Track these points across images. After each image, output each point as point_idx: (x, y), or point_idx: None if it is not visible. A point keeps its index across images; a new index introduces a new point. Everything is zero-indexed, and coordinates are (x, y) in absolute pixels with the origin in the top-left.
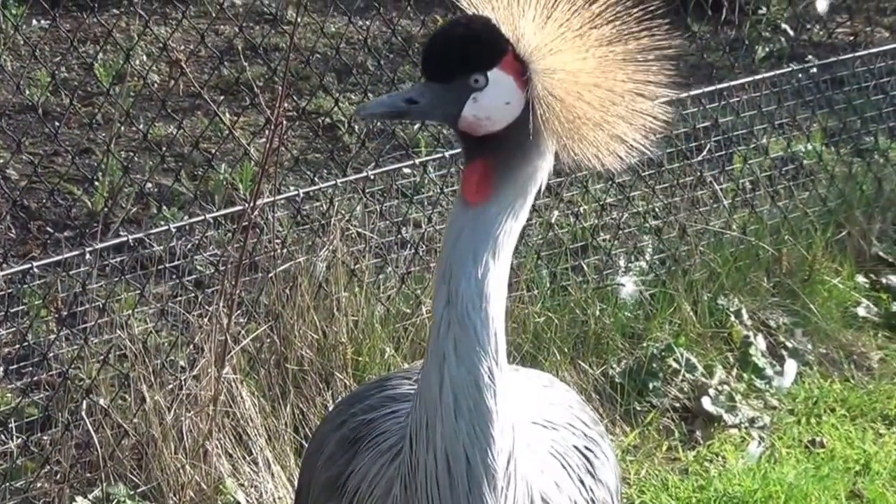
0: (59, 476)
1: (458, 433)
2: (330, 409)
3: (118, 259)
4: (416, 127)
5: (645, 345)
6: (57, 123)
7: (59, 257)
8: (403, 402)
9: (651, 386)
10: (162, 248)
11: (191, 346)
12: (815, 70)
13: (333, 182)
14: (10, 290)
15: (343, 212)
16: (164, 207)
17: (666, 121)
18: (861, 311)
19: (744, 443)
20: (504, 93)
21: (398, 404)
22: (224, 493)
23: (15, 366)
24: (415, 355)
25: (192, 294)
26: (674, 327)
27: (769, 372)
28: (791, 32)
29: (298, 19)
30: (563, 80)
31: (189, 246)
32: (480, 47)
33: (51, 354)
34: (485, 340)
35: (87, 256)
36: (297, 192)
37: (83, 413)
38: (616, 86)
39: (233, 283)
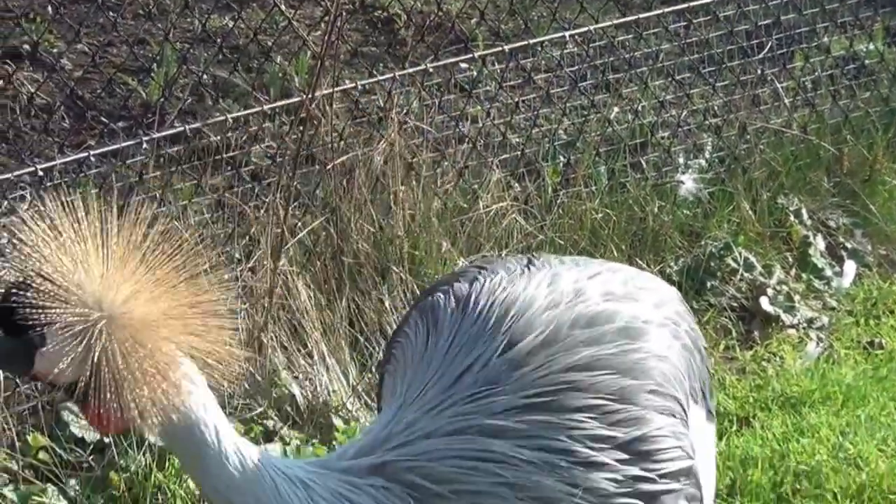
0: None
1: None
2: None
3: (174, 149)
4: (474, 21)
5: (703, 243)
6: (113, 14)
7: (116, 146)
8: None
9: (709, 285)
10: (218, 138)
11: (247, 238)
12: None
13: (392, 75)
14: (65, 180)
15: (400, 105)
16: (220, 99)
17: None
18: None
19: (802, 343)
20: (66, 347)
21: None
22: (279, 385)
23: None
24: (471, 250)
25: (249, 185)
26: (732, 226)
27: (828, 272)
28: None
29: None
30: (123, 324)
31: (245, 137)
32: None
33: None
34: None
35: (144, 146)
36: (354, 84)
37: None
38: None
39: (289, 175)
